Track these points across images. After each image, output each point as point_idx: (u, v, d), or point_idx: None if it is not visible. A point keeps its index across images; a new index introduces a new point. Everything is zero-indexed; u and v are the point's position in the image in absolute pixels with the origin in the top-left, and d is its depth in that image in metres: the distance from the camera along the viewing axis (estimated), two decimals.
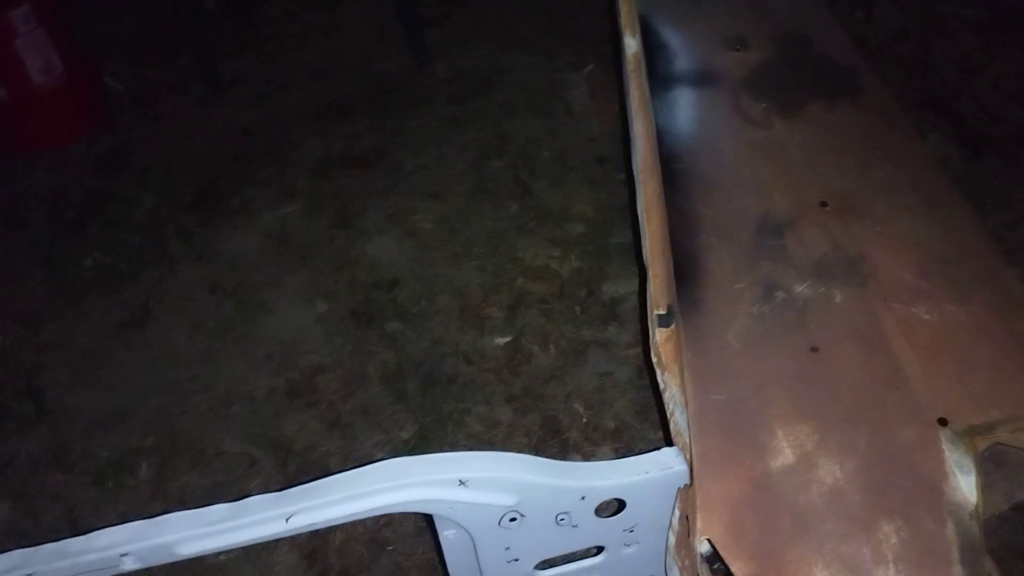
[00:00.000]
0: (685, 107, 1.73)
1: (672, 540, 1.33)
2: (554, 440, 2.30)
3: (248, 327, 2.72)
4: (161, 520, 1.20)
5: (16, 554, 1.18)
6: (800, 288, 1.38)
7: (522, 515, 1.27)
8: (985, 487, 1.53)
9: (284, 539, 2.14)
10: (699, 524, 1.19)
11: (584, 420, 2.34)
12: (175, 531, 1.19)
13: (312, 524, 1.20)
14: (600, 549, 1.42)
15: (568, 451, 2.26)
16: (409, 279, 2.80)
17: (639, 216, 1.53)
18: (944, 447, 1.21)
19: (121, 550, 1.16)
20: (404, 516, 2.14)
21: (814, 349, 1.31)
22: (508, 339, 2.57)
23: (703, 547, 1.21)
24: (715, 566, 1.22)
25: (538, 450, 2.27)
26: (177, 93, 3.78)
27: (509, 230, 2.92)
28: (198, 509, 1.21)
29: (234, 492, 2.30)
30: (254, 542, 1.22)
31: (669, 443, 1.33)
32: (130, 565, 1.18)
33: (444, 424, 2.37)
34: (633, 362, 2.44)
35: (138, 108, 3.72)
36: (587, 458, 2.24)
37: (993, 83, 3.24)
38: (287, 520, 1.20)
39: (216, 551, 1.20)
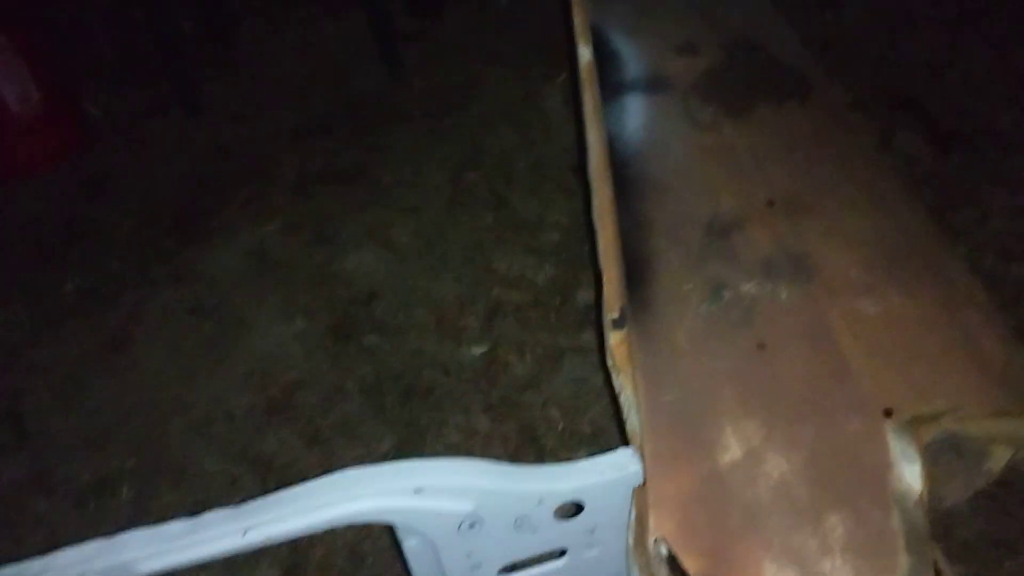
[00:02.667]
0: (636, 113, 1.76)
1: (631, 540, 1.34)
2: (531, 447, 2.32)
3: (228, 346, 2.73)
4: (119, 539, 1.21)
5: None
6: (747, 287, 1.40)
7: (481, 520, 1.29)
8: (945, 477, 1.55)
9: (265, 554, 2.15)
10: (652, 523, 1.21)
11: (560, 426, 2.35)
12: (134, 549, 1.21)
13: (269, 538, 1.22)
14: (564, 552, 1.43)
15: (545, 457, 2.27)
16: (387, 293, 2.82)
17: (594, 222, 1.55)
18: (889, 437, 1.23)
19: (79, 570, 1.18)
20: (383, 529, 2.16)
21: (761, 346, 1.33)
22: (485, 349, 2.58)
23: (656, 545, 1.23)
24: (670, 564, 1.24)
25: (515, 457, 2.28)
26: (156, 116, 3.82)
27: (485, 241, 2.94)
28: (156, 527, 1.23)
29: (215, 509, 2.31)
30: (214, 558, 1.23)
31: (626, 444, 1.35)
32: None
33: (423, 435, 2.38)
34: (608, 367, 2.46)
35: (117, 133, 3.75)
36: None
37: (961, 79, 3.27)
38: (244, 534, 1.21)
39: (176, 568, 1.22)
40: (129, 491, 2.38)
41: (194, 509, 2.32)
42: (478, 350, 2.59)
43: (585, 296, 2.66)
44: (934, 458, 1.29)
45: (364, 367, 2.59)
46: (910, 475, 1.21)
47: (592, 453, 2.24)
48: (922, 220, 1.49)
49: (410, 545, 1.36)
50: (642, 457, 1.27)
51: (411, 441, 2.38)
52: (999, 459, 1.52)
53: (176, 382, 2.65)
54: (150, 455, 2.46)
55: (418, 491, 1.24)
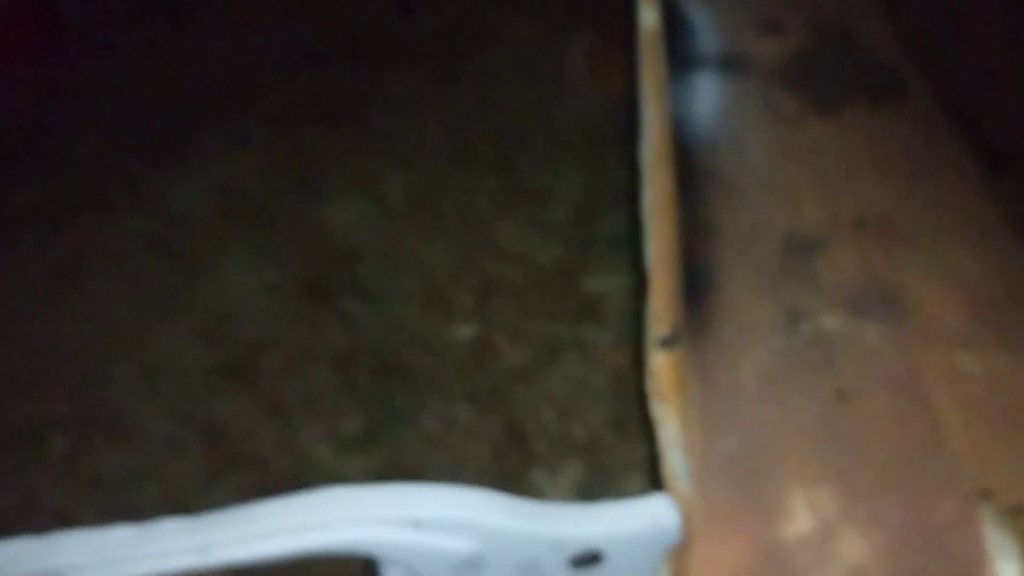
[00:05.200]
0: (707, 95, 1.57)
1: None
2: (516, 448, 2.17)
3: (188, 292, 2.55)
4: (52, 541, 1.03)
5: None
6: (829, 321, 1.23)
7: (483, 563, 1.12)
8: None
9: None
10: None
11: (552, 429, 2.20)
12: (68, 555, 1.02)
13: (231, 560, 1.03)
14: None
15: (532, 463, 2.12)
16: (371, 253, 2.64)
17: (644, 216, 1.37)
18: (985, 526, 1.07)
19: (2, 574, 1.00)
20: None
21: (841, 396, 1.16)
22: (475, 330, 2.43)
23: None
24: None
25: (499, 458, 2.13)
26: (134, 25, 3.58)
27: (486, 208, 2.77)
28: (97, 531, 1.04)
29: (155, 476, 2.14)
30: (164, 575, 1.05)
31: (657, 486, 1.18)
32: None
33: (396, 420, 2.22)
34: (611, 367, 2.30)
35: (90, 38, 3.51)
36: (552, 472, 2.11)
37: (1019, 94, 3.11)
38: (203, 552, 1.03)
39: None
40: (62, 443, 2.20)
41: (134, 472, 2.18)
42: (467, 331, 2.42)
43: (593, 284, 2.50)
44: None
45: (338, 335, 2.42)
46: (1007, 574, 1.04)
47: (587, 464, 2.13)
48: None
49: None
50: (684, 510, 1.10)
51: (383, 425, 2.22)
52: None
53: (125, 326, 2.46)
54: (89, 405, 2.28)
55: (416, 524, 1.06)
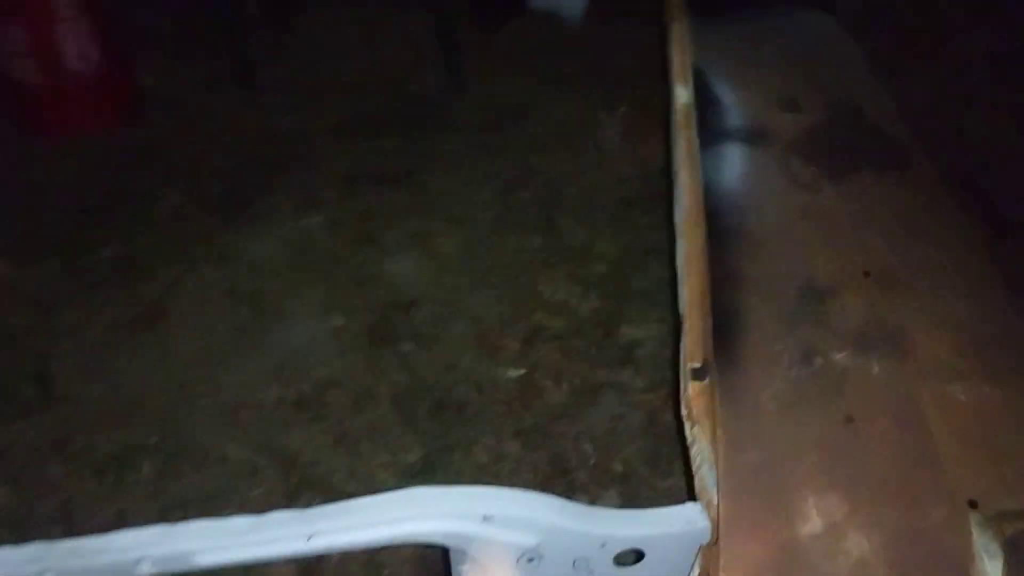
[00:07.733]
0: (733, 163, 1.74)
1: None
2: (561, 479, 2.29)
3: (262, 334, 2.72)
4: (181, 528, 1.19)
5: (32, 548, 1.16)
6: (839, 356, 1.38)
7: (541, 556, 1.27)
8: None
9: None
10: None
11: (592, 462, 2.32)
12: (195, 540, 1.18)
13: (332, 546, 1.19)
14: None
15: (575, 492, 2.25)
16: (427, 302, 2.80)
17: (678, 268, 1.53)
18: (973, 530, 1.21)
19: (138, 554, 1.15)
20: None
21: (849, 419, 1.30)
22: (521, 372, 2.56)
23: None
24: None
25: (544, 488, 2.21)
26: (211, 93, 3.82)
27: (530, 263, 2.93)
28: (219, 520, 1.20)
29: (235, 499, 2.28)
30: (275, 559, 1.21)
31: (692, 498, 1.33)
32: (145, 570, 1.16)
33: (451, 452, 2.36)
34: (646, 407, 2.43)
35: (170, 105, 3.75)
36: (593, 500, 2.23)
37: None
38: (308, 539, 1.19)
39: (234, 564, 1.19)
40: (149, 468, 2.35)
41: (214, 495, 2.35)
42: (514, 372, 2.57)
43: (629, 332, 2.65)
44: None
45: (398, 374, 2.57)
46: (991, 570, 1.18)
47: (623, 493, 2.26)
48: (1016, 312, 1.47)
49: (461, 571, 1.33)
50: (714, 514, 1.25)
51: (439, 456, 2.35)
52: None
53: (206, 364, 2.63)
54: (173, 434, 2.43)
55: (487, 519, 1.22)
